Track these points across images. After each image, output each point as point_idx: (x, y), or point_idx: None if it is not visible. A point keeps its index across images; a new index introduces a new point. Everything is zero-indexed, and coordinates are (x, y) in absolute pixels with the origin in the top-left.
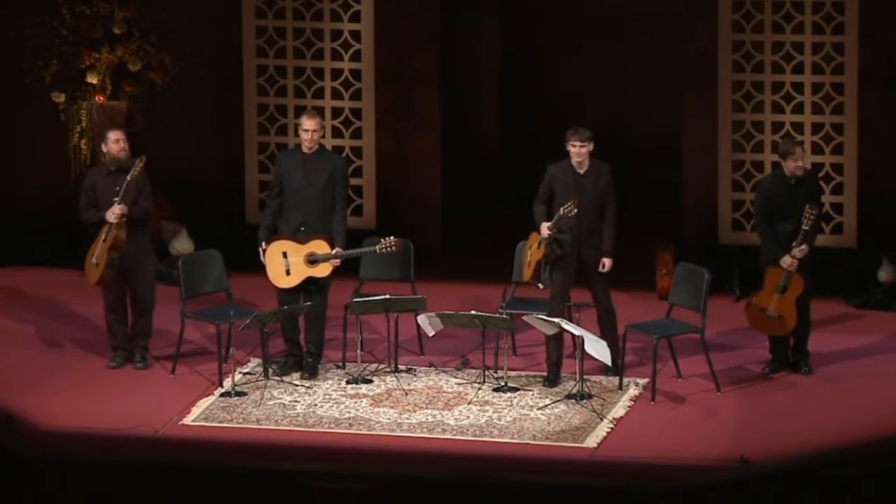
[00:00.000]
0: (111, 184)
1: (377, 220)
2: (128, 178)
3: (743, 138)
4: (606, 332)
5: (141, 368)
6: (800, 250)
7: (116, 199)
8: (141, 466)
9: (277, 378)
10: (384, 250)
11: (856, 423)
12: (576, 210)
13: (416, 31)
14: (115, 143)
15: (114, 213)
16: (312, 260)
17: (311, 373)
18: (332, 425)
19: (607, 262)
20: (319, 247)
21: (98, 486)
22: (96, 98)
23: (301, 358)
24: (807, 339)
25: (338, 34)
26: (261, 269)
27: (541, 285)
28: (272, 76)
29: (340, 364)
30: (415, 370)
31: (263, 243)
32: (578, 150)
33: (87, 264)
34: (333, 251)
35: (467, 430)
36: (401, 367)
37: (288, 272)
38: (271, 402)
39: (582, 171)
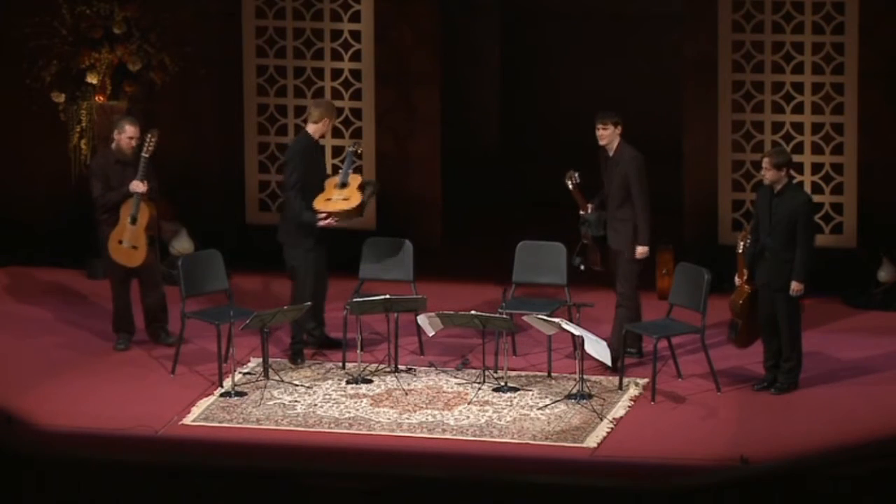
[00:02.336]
0: (119, 172)
1: (377, 220)
2: (144, 153)
3: (743, 138)
4: (615, 327)
5: (172, 344)
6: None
7: (137, 178)
8: (141, 466)
9: (277, 378)
10: (357, 150)
11: (856, 424)
12: (571, 180)
13: (416, 31)
14: (128, 139)
15: (141, 185)
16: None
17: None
18: (332, 425)
19: (638, 250)
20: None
21: (98, 486)
22: (96, 98)
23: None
24: (787, 346)
25: (338, 34)
26: (260, 269)
27: (582, 267)
28: (272, 76)
29: (340, 364)
30: (415, 370)
31: (318, 216)
32: (598, 133)
33: (117, 250)
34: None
35: (467, 430)
36: (401, 367)
37: (345, 199)
38: (271, 402)
39: (611, 154)
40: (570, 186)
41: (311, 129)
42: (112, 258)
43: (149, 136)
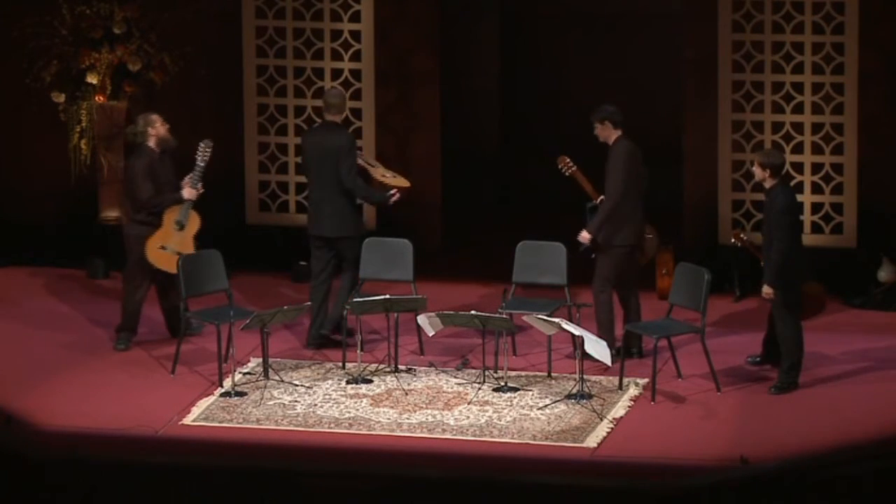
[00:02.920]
0: (162, 165)
1: (377, 220)
2: (200, 163)
3: (743, 138)
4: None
5: (196, 332)
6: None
7: (188, 180)
8: (141, 466)
9: (277, 378)
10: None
11: (855, 424)
12: (565, 167)
13: (416, 31)
14: (163, 125)
15: (195, 191)
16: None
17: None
18: (332, 425)
19: (581, 233)
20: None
21: (98, 486)
22: (96, 98)
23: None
24: (783, 345)
25: (338, 34)
26: (260, 269)
27: (593, 255)
28: (272, 76)
29: (340, 364)
30: (415, 370)
31: (389, 193)
32: (595, 132)
33: (157, 254)
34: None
35: (467, 430)
36: (401, 367)
37: (395, 176)
38: (271, 402)
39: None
40: (568, 173)
41: (339, 118)
42: (148, 260)
43: (203, 144)
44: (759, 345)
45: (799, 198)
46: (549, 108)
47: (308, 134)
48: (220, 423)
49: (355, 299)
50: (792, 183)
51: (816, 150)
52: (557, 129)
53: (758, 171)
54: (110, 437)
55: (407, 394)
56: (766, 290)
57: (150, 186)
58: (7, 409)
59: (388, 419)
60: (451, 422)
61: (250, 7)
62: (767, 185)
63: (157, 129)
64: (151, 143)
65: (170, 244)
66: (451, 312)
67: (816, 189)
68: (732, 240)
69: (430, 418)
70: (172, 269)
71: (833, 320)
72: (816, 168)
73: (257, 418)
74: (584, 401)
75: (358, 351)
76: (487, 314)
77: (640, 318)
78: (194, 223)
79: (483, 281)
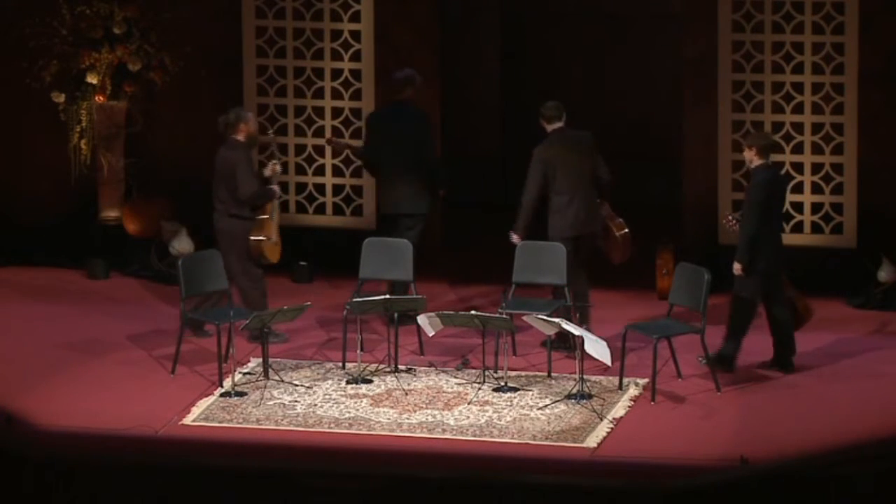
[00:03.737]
0: (252, 161)
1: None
2: (275, 159)
3: (743, 138)
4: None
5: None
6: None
7: (273, 166)
8: (141, 466)
9: (277, 378)
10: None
11: (855, 423)
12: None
13: (416, 31)
14: (255, 123)
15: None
16: None
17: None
18: (332, 425)
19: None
20: None
21: (98, 486)
22: (96, 98)
23: None
24: (730, 329)
25: (338, 34)
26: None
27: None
28: (272, 76)
29: (340, 364)
30: (415, 370)
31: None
32: None
33: (265, 246)
34: None
35: (467, 430)
36: (401, 367)
37: None
38: (271, 402)
39: None
40: None
41: (403, 95)
42: (265, 255)
43: (273, 134)
44: (759, 344)
45: (799, 198)
46: None
47: (377, 115)
48: (220, 423)
49: (355, 299)
50: (792, 183)
51: (816, 150)
52: None
53: (746, 152)
54: (110, 437)
55: (407, 394)
56: (736, 265)
57: (255, 180)
58: (7, 409)
59: (388, 419)
60: (451, 422)
61: (250, 7)
62: (754, 164)
63: (248, 126)
64: (240, 137)
65: (273, 236)
66: (451, 312)
67: (816, 189)
68: (723, 221)
69: (430, 418)
70: (274, 259)
71: (833, 320)
72: (816, 168)
73: (257, 418)
74: (584, 401)
75: (358, 351)
76: (487, 314)
77: (586, 300)
78: (278, 213)
79: (483, 281)
